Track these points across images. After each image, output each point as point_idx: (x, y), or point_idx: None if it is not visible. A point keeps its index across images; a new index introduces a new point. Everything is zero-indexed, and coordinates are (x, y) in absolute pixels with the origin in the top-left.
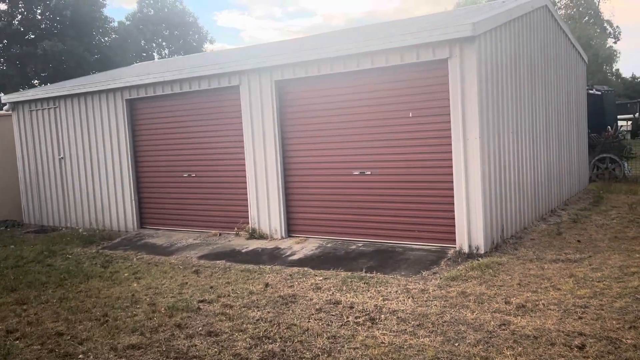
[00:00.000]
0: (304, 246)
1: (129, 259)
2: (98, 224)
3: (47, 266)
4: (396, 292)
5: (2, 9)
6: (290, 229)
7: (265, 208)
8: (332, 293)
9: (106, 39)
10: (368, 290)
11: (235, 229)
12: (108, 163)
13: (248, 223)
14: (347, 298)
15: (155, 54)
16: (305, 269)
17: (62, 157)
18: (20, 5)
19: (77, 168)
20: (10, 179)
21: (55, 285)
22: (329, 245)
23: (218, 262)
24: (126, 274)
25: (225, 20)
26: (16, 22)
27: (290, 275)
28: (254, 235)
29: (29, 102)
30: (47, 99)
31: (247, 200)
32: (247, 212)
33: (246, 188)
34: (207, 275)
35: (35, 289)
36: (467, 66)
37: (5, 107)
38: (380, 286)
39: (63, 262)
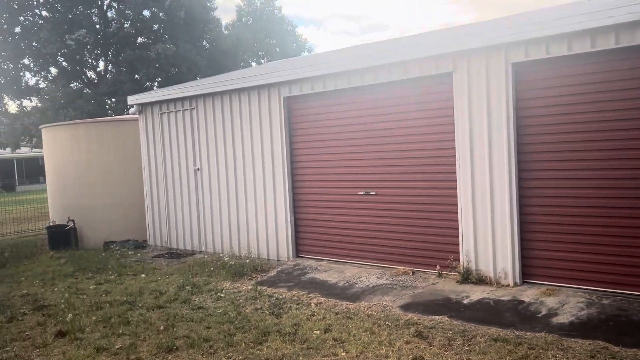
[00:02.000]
0: (563, 300)
1: (303, 303)
2: (241, 249)
3: (198, 309)
4: None
5: (109, 16)
6: (526, 272)
7: (487, 240)
8: None
9: (214, 44)
10: None
11: (438, 267)
12: (257, 176)
13: (459, 260)
14: None
15: (253, 63)
16: (605, 344)
17: (198, 169)
18: (128, 9)
19: (217, 182)
20: (132, 193)
21: (226, 345)
22: (604, 301)
23: (436, 317)
24: (316, 332)
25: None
26: (127, 25)
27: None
28: (469, 277)
29: (160, 103)
30: (182, 99)
31: (457, 227)
32: (458, 244)
33: (457, 212)
34: (443, 345)
35: (201, 351)
36: None
37: (131, 110)
38: None
39: (215, 303)
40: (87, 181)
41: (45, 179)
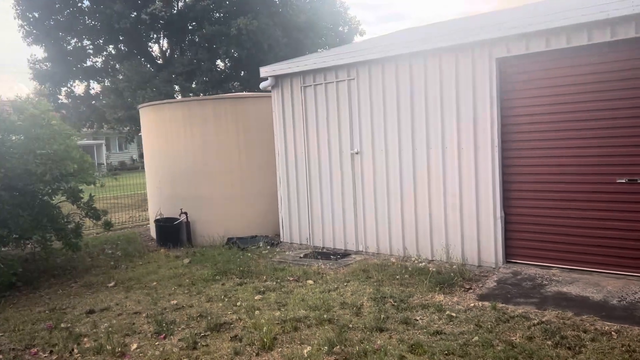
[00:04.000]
0: None
1: (590, 331)
2: (421, 251)
3: (436, 334)
4: None
5: None
6: None
7: None
8: None
9: (291, 20)
10: None
11: None
12: (448, 161)
13: None
14: None
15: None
16: None
17: (356, 152)
18: None
19: (385, 168)
20: (257, 181)
21: None
22: None
23: None
24: None
25: None
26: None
27: None
28: None
29: (303, 74)
30: (337, 68)
31: None
32: None
33: None
34: None
35: None
36: None
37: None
38: None
39: (452, 325)
40: (202, 168)
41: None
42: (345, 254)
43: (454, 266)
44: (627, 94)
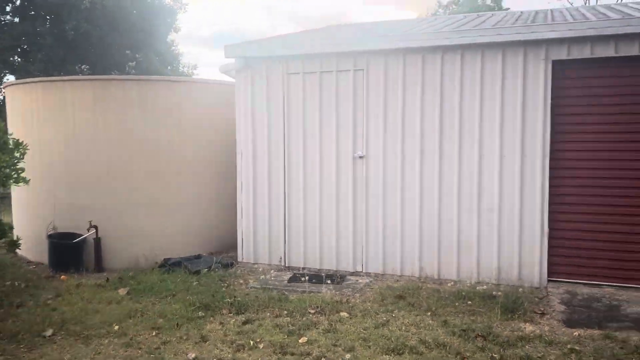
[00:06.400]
0: None
1: None
2: (442, 271)
3: None
4: None
5: None
6: None
7: None
8: None
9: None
10: None
11: None
12: (485, 169)
13: None
14: None
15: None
16: None
17: (360, 156)
18: None
19: (400, 175)
20: (192, 188)
21: None
22: None
23: None
24: None
25: None
26: None
27: None
28: None
29: (287, 59)
30: (339, 56)
31: None
32: None
33: None
34: None
35: None
36: None
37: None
38: None
39: None
40: (120, 167)
41: None
42: (340, 276)
43: (521, 289)
44: None
